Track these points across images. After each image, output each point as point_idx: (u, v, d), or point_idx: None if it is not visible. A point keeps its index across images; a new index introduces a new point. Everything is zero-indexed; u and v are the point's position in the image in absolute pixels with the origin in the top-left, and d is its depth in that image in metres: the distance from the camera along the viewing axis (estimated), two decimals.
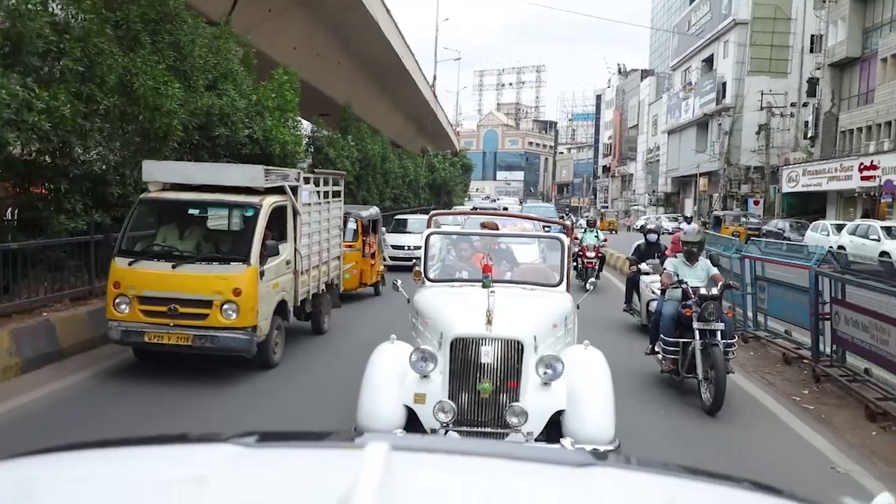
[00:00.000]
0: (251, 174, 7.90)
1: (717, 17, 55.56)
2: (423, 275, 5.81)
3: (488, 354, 4.48)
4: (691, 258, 7.70)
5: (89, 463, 1.25)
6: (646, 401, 7.34)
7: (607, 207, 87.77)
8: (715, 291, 7.09)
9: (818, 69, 41.76)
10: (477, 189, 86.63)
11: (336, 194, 10.57)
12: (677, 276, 7.44)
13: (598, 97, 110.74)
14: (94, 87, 8.40)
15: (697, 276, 7.51)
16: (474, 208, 25.80)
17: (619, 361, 7.95)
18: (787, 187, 42.27)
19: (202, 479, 1.07)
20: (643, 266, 10.96)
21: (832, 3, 38.73)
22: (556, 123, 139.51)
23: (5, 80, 7.00)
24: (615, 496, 1.15)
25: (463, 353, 4.53)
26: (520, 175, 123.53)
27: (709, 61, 58.39)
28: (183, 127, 9.74)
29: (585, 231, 16.57)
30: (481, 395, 4.47)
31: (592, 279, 6.67)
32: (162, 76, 9.28)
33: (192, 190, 7.99)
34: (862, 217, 30.66)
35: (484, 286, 4.83)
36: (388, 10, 21.14)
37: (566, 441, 4.30)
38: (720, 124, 54.52)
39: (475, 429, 4.46)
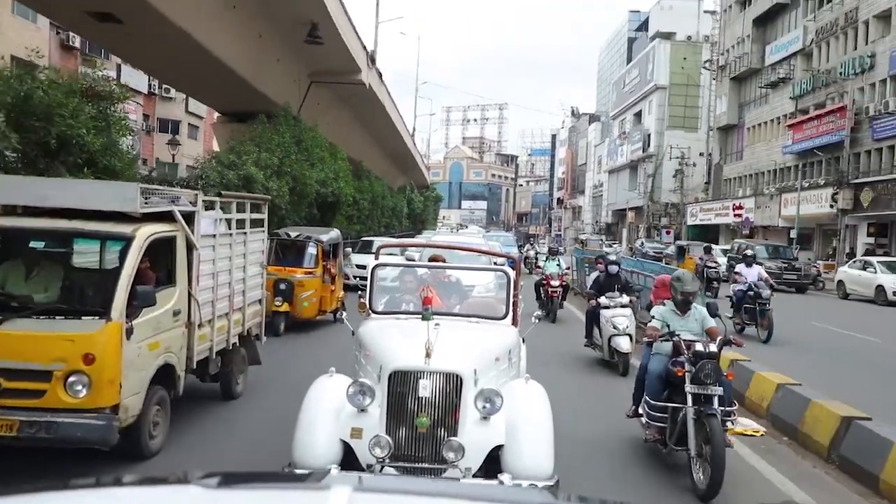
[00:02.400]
0: (124, 194, 5.87)
1: (644, 80, 67.67)
2: (367, 307, 5.62)
3: (426, 388, 4.36)
4: (684, 307, 6.43)
5: None
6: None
7: (560, 235, 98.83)
8: (713, 348, 5.87)
9: (711, 131, 53.68)
10: (444, 217, 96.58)
11: (257, 223, 8.57)
12: (668, 326, 6.18)
13: (554, 136, 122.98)
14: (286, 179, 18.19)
15: (690, 327, 6.31)
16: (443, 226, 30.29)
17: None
18: (690, 221, 53.78)
19: None
20: (602, 300, 10.41)
21: (718, 81, 50.72)
22: (516, 157, 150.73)
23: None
24: None
25: (401, 386, 4.42)
26: (483, 204, 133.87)
27: (638, 115, 70.39)
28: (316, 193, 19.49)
29: (547, 259, 16.06)
30: (418, 429, 4.34)
31: (537, 312, 6.34)
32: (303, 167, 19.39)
33: (46, 215, 5.93)
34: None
35: (424, 318, 4.71)
36: (394, 103, 31.64)
37: (505, 477, 4.16)
38: (645, 169, 66.27)
39: (412, 464, 4.33)
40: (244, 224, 7.97)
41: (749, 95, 47.33)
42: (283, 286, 12.03)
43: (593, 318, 10.71)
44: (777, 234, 40.07)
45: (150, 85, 41.20)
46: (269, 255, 10.84)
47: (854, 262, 25.04)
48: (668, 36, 64.23)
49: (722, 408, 5.68)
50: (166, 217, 6.21)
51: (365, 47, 27.93)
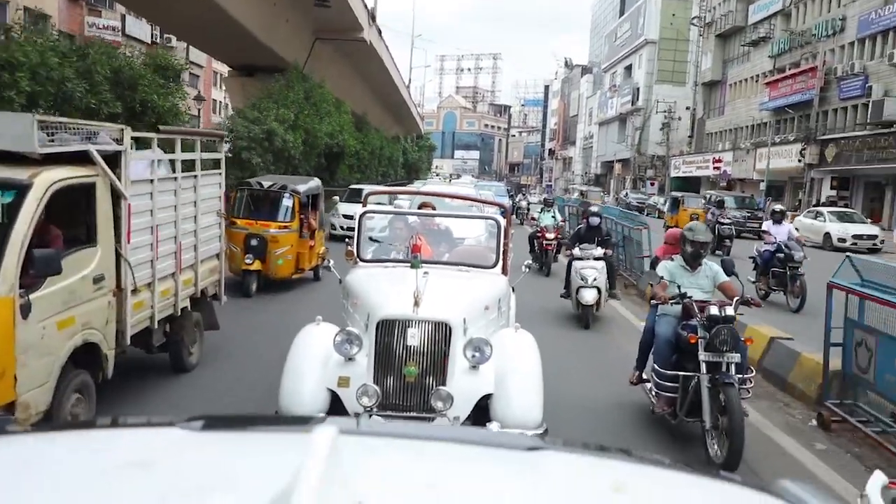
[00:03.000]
0: (14, 128, 4.64)
1: (635, 34, 69.04)
2: (355, 254, 5.58)
3: (415, 337, 4.32)
4: (695, 262, 5.84)
5: (32, 447, 1.22)
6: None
7: (551, 186, 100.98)
8: (730, 311, 5.32)
9: (696, 86, 55.63)
10: (437, 166, 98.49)
11: (211, 165, 7.65)
12: (678, 286, 5.65)
13: (546, 87, 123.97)
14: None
15: (700, 284, 5.77)
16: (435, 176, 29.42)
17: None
18: (674, 173, 56.12)
19: (148, 463, 1.07)
20: (576, 251, 10.30)
21: (704, 38, 52.45)
22: (510, 108, 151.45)
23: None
24: (565, 479, 1.14)
25: (389, 335, 4.36)
26: (476, 154, 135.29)
27: (629, 69, 71.94)
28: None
29: (542, 211, 15.54)
30: (407, 378, 4.31)
31: (527, 261, 6.32)
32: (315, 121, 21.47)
33: None
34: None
35: (412, 267, 4.68)
36: (391, 57, 33.46)
37: (493, 425, 4.13)
38: (633, 122, 68.24)
39: (400, 413, 4.30)
40: (194, 166, 6.78)
41: (732, 53, 49.23)
42: (254, 242, 10.81)
43: (570, 269, 10.52)
44: (752, 186, 42.50)
45: (152, 35, 42.72)
46: (240, 208, 10.94)
47: (808, 211, 27.59)
48: None
49: (739, 375, 5.18)
50: (83, 159, 5.03)
51: (366, 6, 29.78)
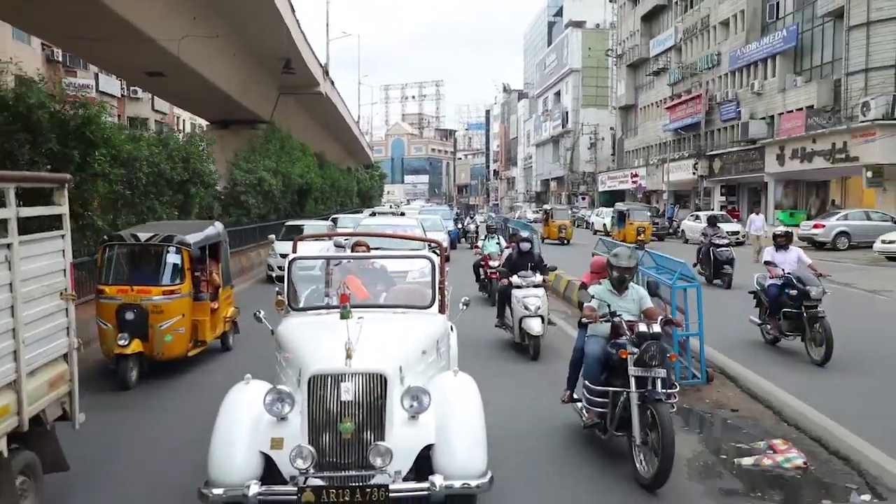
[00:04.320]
0: None
1: (561, 63, 76.24)
2: (286, 303, 5.36)
3: (349, 391, 4.10)
4: (621, 286, 6.07)
5: None
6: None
7: (497, 205, 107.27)
8: (657, 328, 5.52)
9: (614, 110, 62.71)
10: (388, 192, 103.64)
11: (49, 224, 5.68)
12: (609, 306, 5.86)
13: (488, 112, 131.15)
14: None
15: (627, 307, 5.98)
16: (372, 214, 28.83)
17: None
18: (601, 188, 62.87)
19: None
20: (514, 279, 9.75)
21: (618, 67, 59.59)
22: (455, 132, 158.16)
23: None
24: None
25: (322, 391, 4.14)
26: (425, 178, 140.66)
27: (558, 94, 79.06)
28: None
29: (486, 238, 15.07)
30: (343, 435, 4.08)
31: (465, 298, 6.08)
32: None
33: None
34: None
35: (342, 317, 4.48)
36: (347, 108, 39.07)
37: (437, 478, 4.00)
38: (564, 143, 75.16)
39: (338, 473, 4.08)
40: (6, 227, 4.34)
41: (641, 81, 56.41)
42: (129, 315, 8.23)
43: (505, 297, 10.05)
44: (666, 196, 49.28)
45: (121, 89, 47.63)
46: (109, 271, 8.38)
47: (690, 215, 34.01)
48: (579, 24, 72.81)
49: (664, 391, 5.30)
50: None
51: (321, 64, 35.35)
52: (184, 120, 55.02)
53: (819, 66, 34.00)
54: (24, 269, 4.44)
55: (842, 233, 25.43)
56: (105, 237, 8.94)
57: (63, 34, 18.78)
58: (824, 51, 33.48)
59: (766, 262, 9.94)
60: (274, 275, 16.77)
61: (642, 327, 5.54)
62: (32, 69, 37.69)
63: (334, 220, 23.18)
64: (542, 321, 9.45)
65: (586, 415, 5.88)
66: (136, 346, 8.10)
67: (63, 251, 5.02)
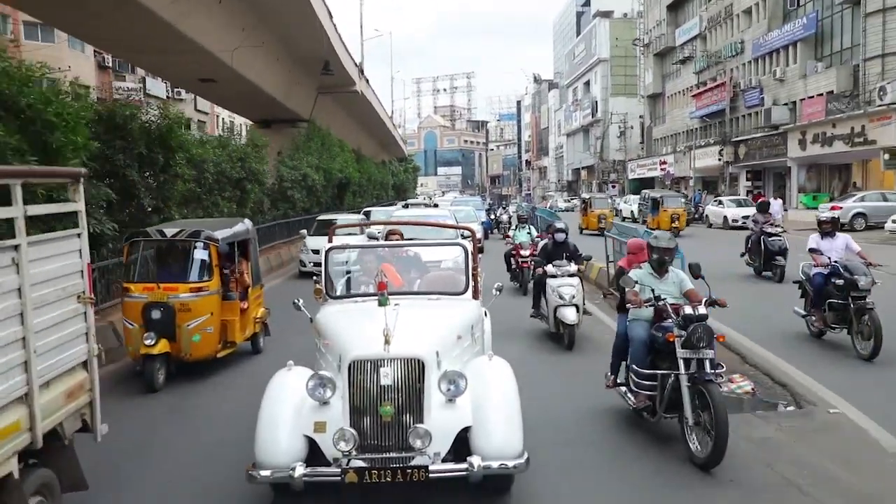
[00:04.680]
0: None
1: (589, 53, 77.06)
2: (324, 292, 5.55)
3: (388, 376, 4.28)
4: (661, 269, 6.13)
5: None
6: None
7: (530, 195, 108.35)
8: (703, 310, 5.61)
9: (642, 98, 63.54)
10: (422, 184, 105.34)
11: (61, 220, 5.86)
12: (653, 291, 5.90)
13: (519, 102, 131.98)
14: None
15: (669, 290, 6.02)
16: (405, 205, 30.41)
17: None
18: (631, 175, 63.83)
19: None
20: (549, 268, 9.89)
21: (645, 56, 60.40)
22: (486, 123, 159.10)
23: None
24: None
25: (362, 376, 4.32)
26: (458, 170, 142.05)
27: (587, 84, 79.89)
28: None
29: (517, 228, 15.18)
30: (383, 418, 4.26)
31: (498, 283, 6.18)
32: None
33: None
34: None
35: (380, 304, 4.57)
36: (381, 104, 40.89)
37: (474, 459, 4.17)
38: (594, 132, 76.08)
39: (379, 455, 4.26)
40: (15, 227, 3.99)
41: (668, 69, 57.20)
42: (156, 314, 8.00)
43: (540, 287, 10.19)
44: (694, 182, 50.20)
45: (167, 91, 50.26)
46: (135, 268, 8.24)
47: (714, 200, 35.13)
48: (607, 14, 73.52)
49: (712, 371, 5.38)
50: None
51: (356, 64, 37.21)
52: (223, 119, 57.54)
53: (839, 51, 34.77)
54: (34, 273, 4.10)
55: (858, 214, 26.35)
56: (131, 233, 8.70)
57: (127, 48, 20.90)
58: (843, 37, 34.23)
59: (811, 250, 9.43)
60: (306, 270, 16.77)
61: (688, 310, 5.60)
62: (86, 74, 40.31)
63: (366, 213, 22.90)
64: (577, 310, 9.49)
65: (634, 398, 5.97)
66: (163, 346, 7.78)
67: (80, 251, 4.69)
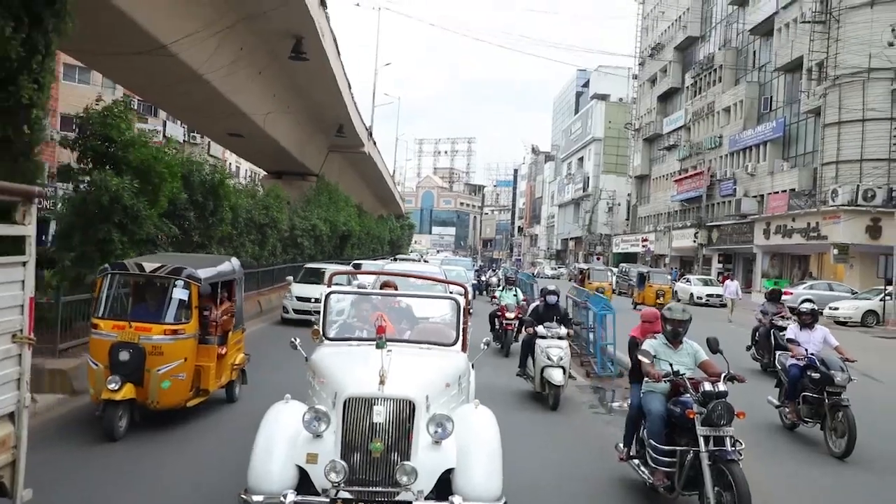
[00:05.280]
0: None
1: (585, 132, 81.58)
2: (321, 333, 5.79)
3: (380, 414, 4.51)
4: (675, 340, 6.16)
5: None
6: None
7: (520, 260, 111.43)
8: (722, 387, 5.52)
9: (630, 178, 67.57)
10: (416, 242, 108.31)
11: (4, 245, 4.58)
12: (671, 365, 5.87)
13: (516, 171, 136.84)
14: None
15: (684, 361, 6.04)
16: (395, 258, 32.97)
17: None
18: (616, 249, 67.26)
19: None
20: (539, 329, 10.15)
21: (635, 140, 64.64)
22: (483, 187, 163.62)
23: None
24: None
25: (355, 412, 4.55)
26: (452, 230, 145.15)
27: (581, 160, 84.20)
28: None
29: (504, 289, 15.57)
30: (373, 454, 4.48)
31: (486, 339, 6.41)
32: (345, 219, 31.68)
33: None
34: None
35: (378, 347, 4.81)
36: (384, 163, 44.33)
37: (456, 499, 4.39)
38: (584, 206, 79.90)
39: (367, 488, 4.48)
40: None
41: (654, 154, 61.33)
42: (124, 355, 7.29)
43: (528, 347, 10.46)
44: (670, 260, 53.49)
45: (184, 134, 53.77)
46: (107, 303, 7.65)
47: (682, 278, 38.25)
48: (603, 97, 78.36)
49: (733, 448, 5.30)
50: None
51: (367, 127, 40.69)
52: (230, 163, 60.97)
53: (802, 154, 38.52)
54: None
55: (807, 300, 29.34)
56: (106, 265, 8.10)
57: (181, 108, 24.18)
58: (807, 142, 38.04)
59: (790, 340, 9.38)
60: (289, 317, 16.87)
61: (707, 386, 5.53)
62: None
63: (356, 266, 21.52)
64: (564, 372, 9.76)
65: (651, 475, 5.87)
66: (127, 391, 7.06)
67: (23, 282, 4.13)
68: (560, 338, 10.06)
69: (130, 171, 10.54)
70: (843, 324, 25.27)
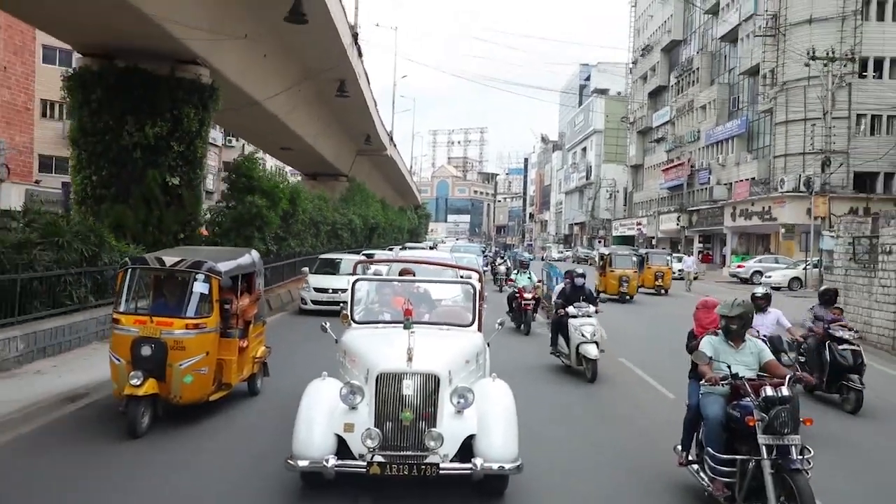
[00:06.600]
0: None
1: (587, 124, 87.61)
2: (349, 317, 6.34)
3: (409, 387, 5.09)
4: (735, 337, 5.68)
5: None
6: None
7: (531, 245, 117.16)
8: (786, 392, 5.04)
9: (627, 167, 73.80)
10: (432, 230, 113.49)
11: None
12: (728, 367, 5.39)
13: (526, 160, 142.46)
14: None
15: (746, 361, 5.58)
16: (432, 247, 40.81)
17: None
18: (615, 233, 73.53)
19: None
20: (570, 309, 10.91)
21: (630, 132, 70.84)
22: (496, 176, 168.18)
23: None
24: None
25: (387, 386, 5.15)
26: (467, 218, 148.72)
27: (584, 150, 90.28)
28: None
29: (519, 273, 16.45)
30: (403, 423, 5.05)
31: (501, 319, 6.87)
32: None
33: None
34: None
35: (405, 328, 5.39)
36: (403, 162, 51.40)
37: (477, 461, 4.96)
38: (587, 193, 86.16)
39: (398, 452, 5.04)
40: None
41: (647, 145, 67.58)
42: (146, 350, 7.21)
43: (559, 327, 11.25)
44: (659, 241, 59.81)
45: (223, 138, 60.57)
46: (128, 297, 7.61)
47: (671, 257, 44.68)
48: (603, 92, 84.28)
49: (800, 457, 4.85)
50: None
51: (388, 133, 47.42)
52: (263, 163, 67.56)
53: (761, 147, 44.78)
54: None
55: (756, 271, 35.86)
56: (126, 259, 8.11)
57: (247, 132, 31.14)
58: (764, 137, 44.29)
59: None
60: (307, 307, 17.16)
61: (769, 391, 5.03)
62: None
63: (368, 255, 21.70)
64: (597, 346, 10.52)
65: (711, 485, 5.43)
66: (150, 386, 7.05)
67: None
68: (590, 315, 10.91)
69: (261, 193, 17.38)
70: (777, 289, 31.72)
